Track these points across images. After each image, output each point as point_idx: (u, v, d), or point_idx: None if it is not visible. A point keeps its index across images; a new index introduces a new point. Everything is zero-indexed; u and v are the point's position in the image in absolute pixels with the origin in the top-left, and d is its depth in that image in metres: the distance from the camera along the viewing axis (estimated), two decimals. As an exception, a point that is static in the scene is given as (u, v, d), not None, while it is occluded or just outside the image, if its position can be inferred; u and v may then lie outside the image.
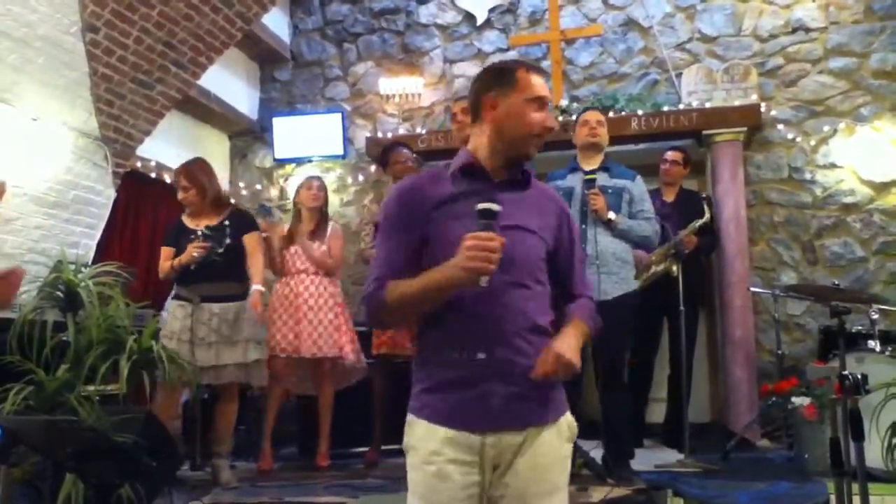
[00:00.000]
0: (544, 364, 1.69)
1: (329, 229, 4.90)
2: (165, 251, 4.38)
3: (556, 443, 1.79)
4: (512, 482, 1.74)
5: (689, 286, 4.80)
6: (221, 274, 4.32)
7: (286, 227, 4.89)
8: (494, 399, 1.71)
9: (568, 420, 1.84)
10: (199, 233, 4.30)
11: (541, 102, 1.82)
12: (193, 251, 4.20)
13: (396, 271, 1.76)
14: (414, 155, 4.95)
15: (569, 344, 1.74)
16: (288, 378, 4.79)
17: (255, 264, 4.49)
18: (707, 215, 5.03)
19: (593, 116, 4.25)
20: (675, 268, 4.79)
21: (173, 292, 4.39)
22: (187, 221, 4.41)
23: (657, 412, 5.49)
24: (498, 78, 1.85)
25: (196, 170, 4.44)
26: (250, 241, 4.47)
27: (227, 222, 4.39)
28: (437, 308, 1.74)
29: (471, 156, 1.85)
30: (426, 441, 1.74)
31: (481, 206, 1.63)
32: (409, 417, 1.81)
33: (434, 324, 1.78)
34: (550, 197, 1.95)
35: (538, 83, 1.84)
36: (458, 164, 1.85)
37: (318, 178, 5.15)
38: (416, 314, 1.80)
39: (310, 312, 4.67)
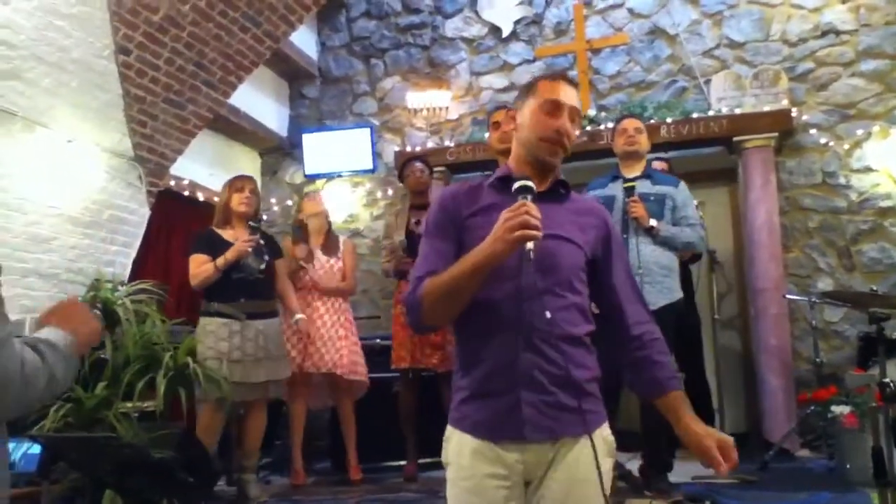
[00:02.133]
0: (731, 455, 1.70)
1: (341, 244, 4.99)
2: (199, 258, 4.29)
3: (592, 456, 1.70)
4: (547, 496, 1.70)
5: (690, 296, 4.76)
6: (262, 291, 4.40)
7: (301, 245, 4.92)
8: (525, 408, 1.68)
9: (604, 433, 1.78)
10: (250, 224, 4.33)
11: (554, 106, 1.80)
12: (245, 245, 4.22)
13: (434, 272, 1.74)
14: (427, 168, 4.94)
15: (712, 430, 1.75)
16: (306, 393, 4.83)
17: (291, 290, 4.64)
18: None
19: (631, 124, 4.16)
20: None
21: (207, 309, 4.31)
22: (224, 234, 4.37)
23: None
24: (524, 89, 1.89)
25: (256, 184, 4.60)
26: (281, 266, 4.59)
27: (261, 242, 4.44)
28: (471, 315, 1.73)
29: (508, 168, 1.87)
30: (461, 456, 1.74)
31: (518, 184, 1.67)
32: (448, 430, 1.80)
33: (468, 333, 1.77)
34: (592, 210, 1.90)
35: (556, 88, 1.82)
36: (496, 175, 1.88)
37: (317, 192, 5.24)
38: (453, 308, 1.73)
39: (322, 328, 4.71)
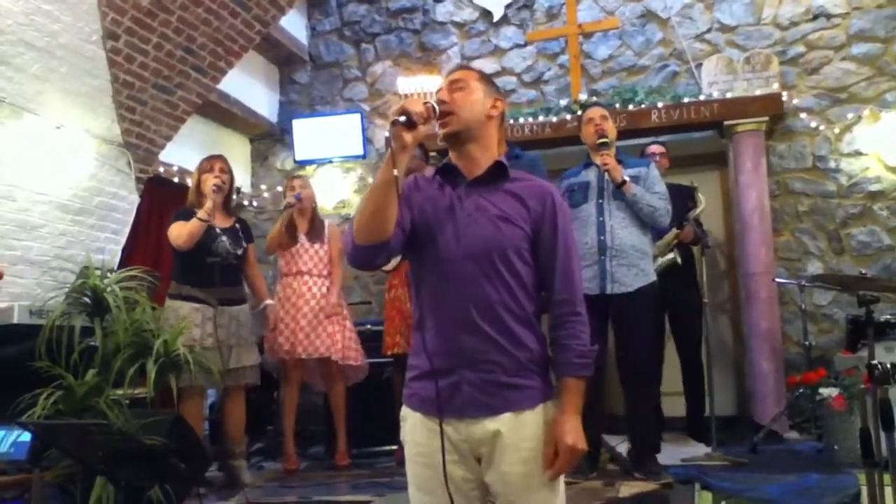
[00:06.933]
0: (558, 463, 1.73)
1: (327, 229, 4.95)
2: (179, 223, 4.25)
3: (538, 432, 1.78)
4: (498, 472, 1.77)
5: (693, 278, 4.77)
6: (235, 278, 4.43)
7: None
8: (465, 386, 1.77)
9: (549, 411, 1.81)
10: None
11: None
12: (214, 182, 4.26)
13: None
14: (422, 153, 4.91)
15: (571, 430, 1.74)
16: (298, 378, 4.84)
17: (260, 277, 4.66)
18: (703, 205, 4.98)
19: (597, 113, 4.20)
20: (678, 258, 4.77)
21: (178, 292, 4.27)
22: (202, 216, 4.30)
23: (673, 406, 5.41)
24: None
25: (228, 163, 4.52)
26: (252, 251, 4.59)
27: (237, 226, 4.48)
28: (420, 299, 1.86)
29: (449, 160, 2.00)
30: (415, 433, 1.84)
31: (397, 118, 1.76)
32: (403, 410, 1.91)
33: (418, 316, 1.88)
34: (534, 187, 1.91)
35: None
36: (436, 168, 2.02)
37: (301, 176, 5.27)
38: (372, 219, 1.77)
39: (310, 314, 4.70)
